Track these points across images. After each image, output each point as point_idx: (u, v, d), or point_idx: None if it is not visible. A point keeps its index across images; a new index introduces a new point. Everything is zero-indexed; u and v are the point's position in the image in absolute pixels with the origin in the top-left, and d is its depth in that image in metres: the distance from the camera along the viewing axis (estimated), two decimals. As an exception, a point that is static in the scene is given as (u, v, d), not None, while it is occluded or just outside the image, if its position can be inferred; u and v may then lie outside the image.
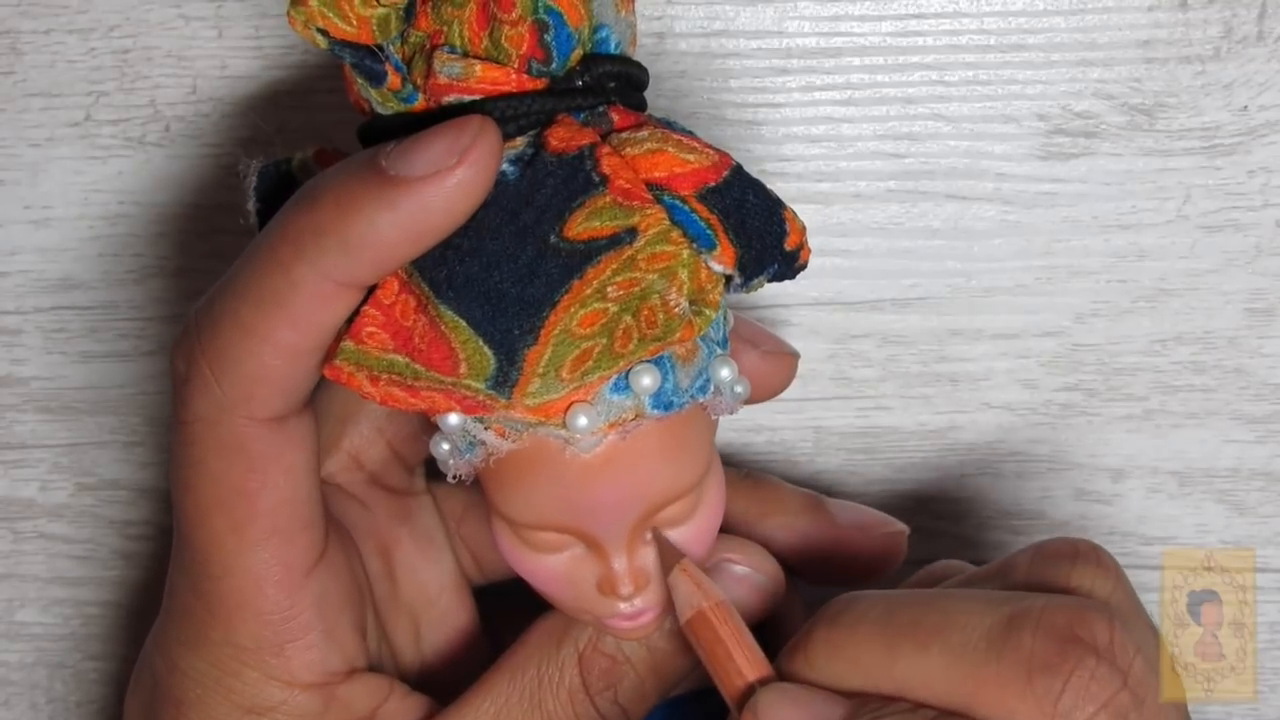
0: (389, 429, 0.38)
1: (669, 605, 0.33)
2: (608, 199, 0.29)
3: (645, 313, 0.29)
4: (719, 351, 0.31)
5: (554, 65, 0.30)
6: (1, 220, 0.42)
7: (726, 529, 0.35)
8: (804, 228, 0.31)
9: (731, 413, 0.32)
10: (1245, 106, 0.41)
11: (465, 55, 0.30)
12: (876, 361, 0.43)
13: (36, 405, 0.43)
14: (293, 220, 0.30)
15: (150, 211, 0.42)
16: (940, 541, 0.44)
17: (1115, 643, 0.29)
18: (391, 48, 0.30)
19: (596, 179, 0.29)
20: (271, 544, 0.32)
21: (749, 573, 0.35)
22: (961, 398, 0.43)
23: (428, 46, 0.30)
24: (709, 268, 0.30)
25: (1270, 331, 0.42)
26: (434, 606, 0.38)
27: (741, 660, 0.32)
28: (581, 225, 0.29)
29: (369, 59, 0.30)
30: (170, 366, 0.32)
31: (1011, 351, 0.43)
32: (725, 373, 0.31)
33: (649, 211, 0.29)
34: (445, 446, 0.31)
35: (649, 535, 0.32)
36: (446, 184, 0.28)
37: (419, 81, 0.30)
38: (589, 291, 0.29)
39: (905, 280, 0.42)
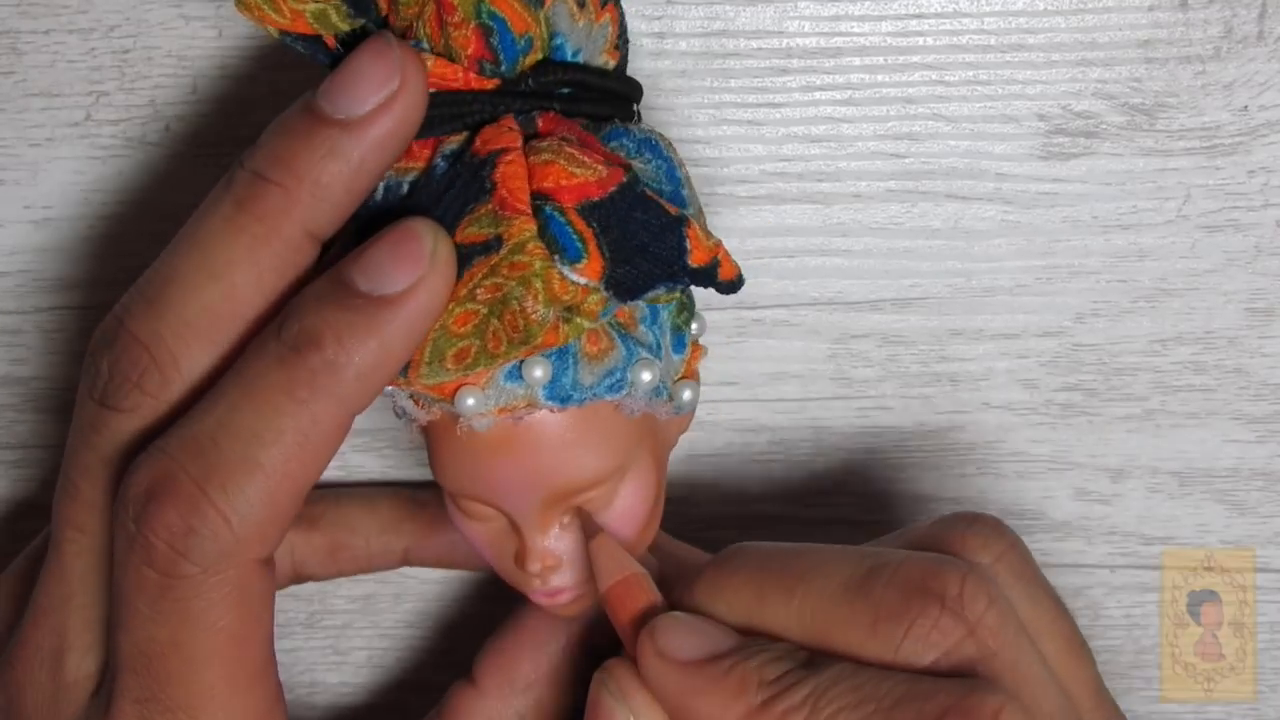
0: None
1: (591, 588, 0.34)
2: (489, 207, 0.31)
3: (508, 317, 0.30)
4: (643, 355, 0.32)
5: (504, 67, 0.32)
6: (1, 220, 0.42)
7: None
8: (715, 245, 0.31)
9: (663, 415, 0.33)
10: (1245, 106, 0.41)
11: (428, 50, 0.32)
12: (876, 361, 0.43)
13: (36, 405, 0.43)
14: (296, 361, 0.30)
15: (150, 211, 0.42)
16: (940, 541, 0.44)
17: (965, 595, 0.30)
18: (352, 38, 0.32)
19: (487, 186, 0.31)
20: (260, 682, 0.32)
21: None
22: (961, 398, 0.43)
23: (405, 39, 0.32)
24: (566, 279, 0.31)
25: (1270, 331, 0.42)
26: None
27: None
28: (466, 230, 0.31)
29: (322, 50, 0.32)
30: (143, 530, 0.30)
31: (1011, 351, 0.42)
32: (645, 376, 0.32)
33: (515, 221, 0.30)
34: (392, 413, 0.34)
35: (567, 520, 0.33)
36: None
37: None
38: (463, 292, 0.31)
39: (905, 280, 0.42)
